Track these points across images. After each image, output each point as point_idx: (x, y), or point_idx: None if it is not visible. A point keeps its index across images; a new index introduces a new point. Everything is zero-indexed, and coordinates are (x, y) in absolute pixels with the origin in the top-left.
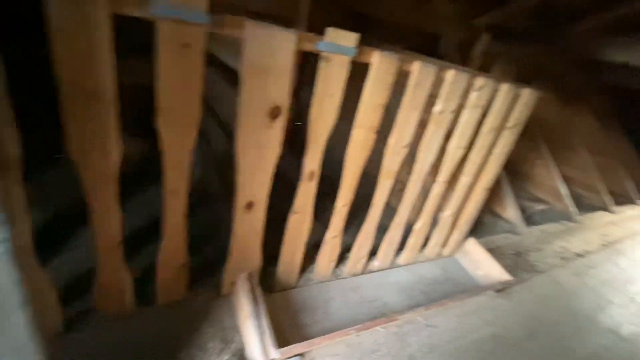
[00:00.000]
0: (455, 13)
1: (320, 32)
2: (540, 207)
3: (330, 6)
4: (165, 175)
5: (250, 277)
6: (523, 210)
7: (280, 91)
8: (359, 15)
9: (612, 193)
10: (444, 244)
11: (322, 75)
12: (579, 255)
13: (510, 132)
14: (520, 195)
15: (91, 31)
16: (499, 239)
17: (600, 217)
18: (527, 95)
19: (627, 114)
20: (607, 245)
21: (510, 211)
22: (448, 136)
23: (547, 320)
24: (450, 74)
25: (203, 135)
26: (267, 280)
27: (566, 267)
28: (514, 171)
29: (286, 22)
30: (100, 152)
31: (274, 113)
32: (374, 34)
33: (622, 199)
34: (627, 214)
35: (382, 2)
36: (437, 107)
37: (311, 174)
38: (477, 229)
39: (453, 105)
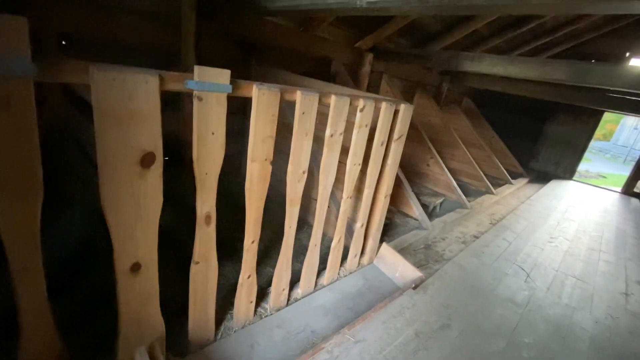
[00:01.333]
0: (340, 37)
1: (211, 62)
2: (439, 200)
3: (219, 35)
4: (9, 253)
5: (151, 348)
6: (426, 206)
7: (150, 136)
8: (251, 43)
9: (491, 178)
10: (362, 253)
11: (198, 115)
12: (475, 237)
13: (397, 144)
14: (422, 193)
15: None
16: (410, 236)
17: (486, 200)
18: (404, 110)
19: (488, 110)
20: (495, 223)
21: (415, 209)
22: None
23: (458, 305)
24: (332, 99)
25: (81, 182)
26: (179, 342)
27: (466, 250)
28: (413, 172)
29: (172, 53)
30: None
31: (146, 160)
32: (269, 59)
33: (500, 181)
34: (506, 192)
35: (272, 29)
36: (327, 131)
37: (207, 218)
38: (390, 232)
39: (341, 128)
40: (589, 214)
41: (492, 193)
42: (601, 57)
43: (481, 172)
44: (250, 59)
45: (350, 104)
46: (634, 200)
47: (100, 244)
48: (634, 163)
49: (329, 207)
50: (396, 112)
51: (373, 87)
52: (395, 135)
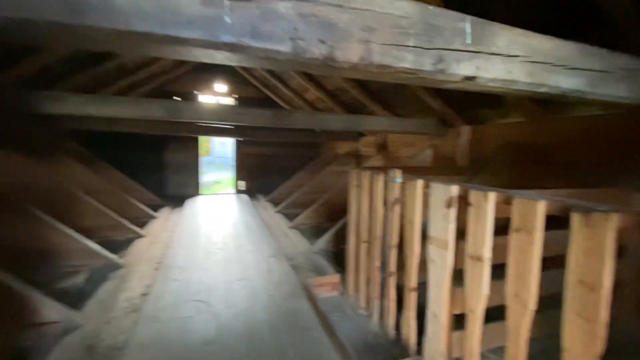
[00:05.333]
0: None
1: None
2: (83, 276)
3: None
4: None
5: None
6: (66, 292)
7: None
8: None
9: (134, 220)
10: None
11: None
12: (144, 294)
13: None
14: (55, 278)
15: None
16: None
17: (139, 246)
18: None
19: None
20: (158, 265)
21: (47, 311)
22: None
23: None
24: None
25: None
26: None
27: (141, 319)
28: (25, 260)
29: None
30: None
31: None
32: None
33: (145, 220)
34: (154, 229)
35: None
36: None
37: None
38: None
39: None
40: (225, 218)
41: (141, 236)
42: (182, 95)
43: (122, 219)
44: None
45: None
46: (243, 196)
47: None
48: (232, 168)
49: None
50: None
51: None
52: None
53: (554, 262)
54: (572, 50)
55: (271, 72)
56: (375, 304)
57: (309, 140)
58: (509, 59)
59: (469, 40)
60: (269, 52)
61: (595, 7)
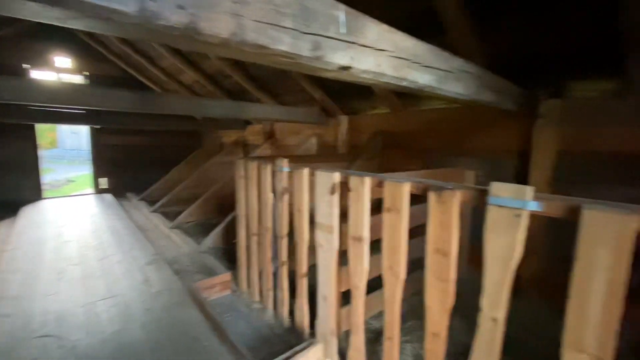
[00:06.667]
0: None
1: None
2: None
3: None
4: None
5: None
6: None
7: None
8: None
9: None
10: None
11: None
12: None
13: None
14: None
15: None
16: None
17: None
18: None
19: None
20: None
21: None
22: None
23: None
24: None
25: None
26: None
27: None
28: None
29: None
30: None
31: None
32: None
33: None
34: None
35: None
36: None
37: None
38: None
39: None
40: (82, 227)
41: None
42: (4, 69)
43: None
44: None
45: None
46: (107, 196)
47: None
48: (88, 162)
49: None
50: None
51: None
52: None
53: (418, 232)
54: (426, 50)
55: (134, 48)
56: (269, 295)
57: (190, 128)
58: (378, 52)
59: (343, 30)
60: (110, 12)
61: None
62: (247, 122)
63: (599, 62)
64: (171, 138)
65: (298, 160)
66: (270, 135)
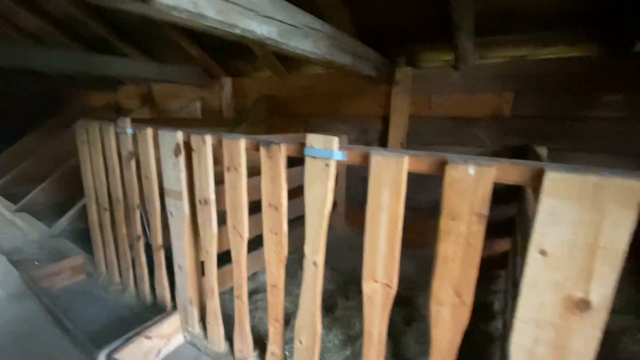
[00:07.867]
0: None
1: None
2: None
3: None
4: None
5: None
6: None
7: None
8: None
9: None
10: None
11: None
12: None
13: None
14: None
15: None
16: None
17: None
18: None
19: None
20: None
21: None
22: None
23: None
24: None
25: None
26: None
27: None
28: None
29: None
30: None
31: None
32: None
33: None
34: None
35: None
36: None
37: None
38: None
39: None
40: None
41: None
42: None
43: None
44: None
45: None
46: None
47: None
48: None
49: None
50: None
51: None
52: None
53: (296, 193)
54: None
55: None
56: (130, 275)
57: (42, 89)
58: None
59: None
60: None
61: None
62: (120, 82)
63: (439, 34)
64: (15, 101)
65: (177, 124)
66: (147, 99)
